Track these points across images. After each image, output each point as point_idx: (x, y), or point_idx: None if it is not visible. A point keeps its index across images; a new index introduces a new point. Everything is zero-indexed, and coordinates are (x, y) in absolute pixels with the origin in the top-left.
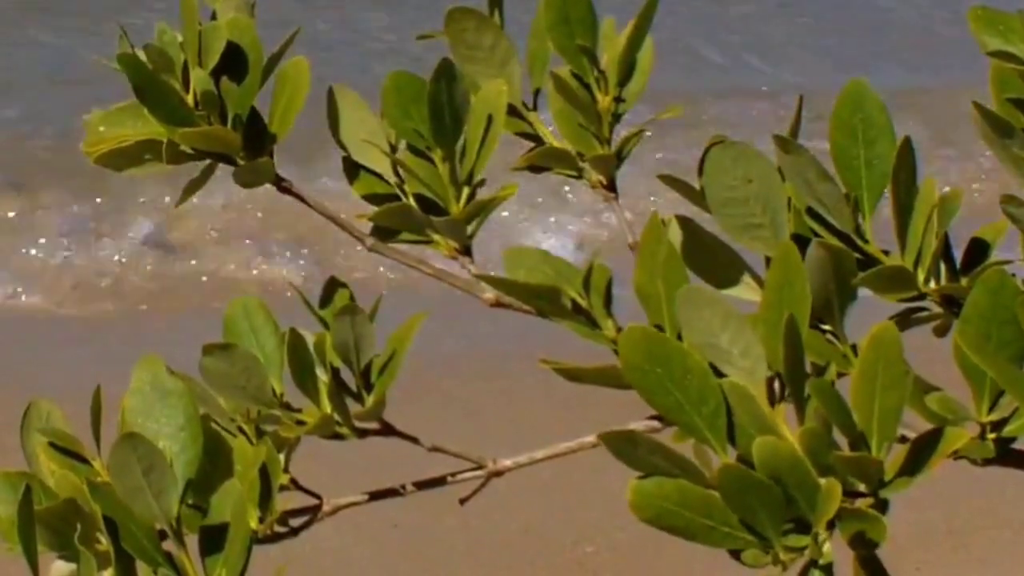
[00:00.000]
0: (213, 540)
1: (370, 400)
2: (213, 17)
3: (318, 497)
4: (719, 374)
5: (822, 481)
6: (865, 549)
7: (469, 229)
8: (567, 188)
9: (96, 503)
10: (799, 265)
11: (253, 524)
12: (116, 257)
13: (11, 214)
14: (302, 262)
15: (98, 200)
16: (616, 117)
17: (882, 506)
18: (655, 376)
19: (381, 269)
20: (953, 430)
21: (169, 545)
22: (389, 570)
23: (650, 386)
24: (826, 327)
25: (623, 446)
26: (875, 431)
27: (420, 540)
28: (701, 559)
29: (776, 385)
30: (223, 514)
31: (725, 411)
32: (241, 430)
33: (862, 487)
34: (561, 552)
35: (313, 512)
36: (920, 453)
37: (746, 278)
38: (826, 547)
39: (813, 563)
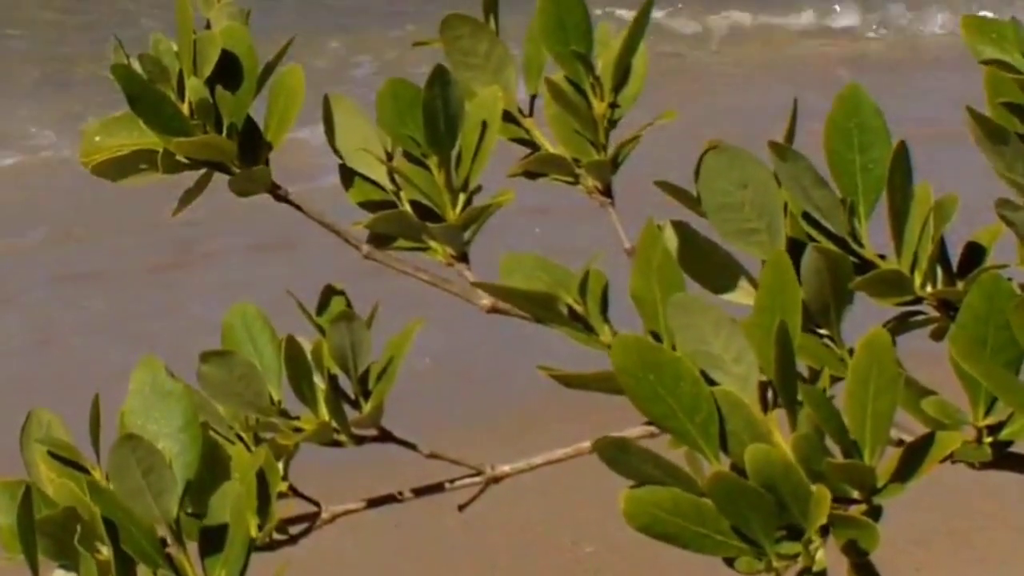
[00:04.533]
0: (212, 541)
1: (368, 407)
2: (208, 26)
3: (316, 504)
4: (712, 381)
5: (814, 488)
6: (858, 556)
7: (465, 236)
8: None
9: (96, 505)
10: (791, 271)
11: (252, 532)
12: None
13: None
14: None
15: None
16: (612, 123)
17: (875, 513)
18: (647, 383)
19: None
20: (945, 434)
21: (169, 547)
22: (389, 570)
23: (642, 393)
24: (823, 331)
25: (615, 454)
26: (868, 436)
27: (420, 540)
28: (701, 560)
29: (769, 392)
30: (222, 515)
31: (717, 419)
32: (239, 437)
33: (855, 493)
34: (561, 552)
35: (311, 520)
36: (913, 458)
37: (742, 282)
38: (819, 554)
39: (806, 570)
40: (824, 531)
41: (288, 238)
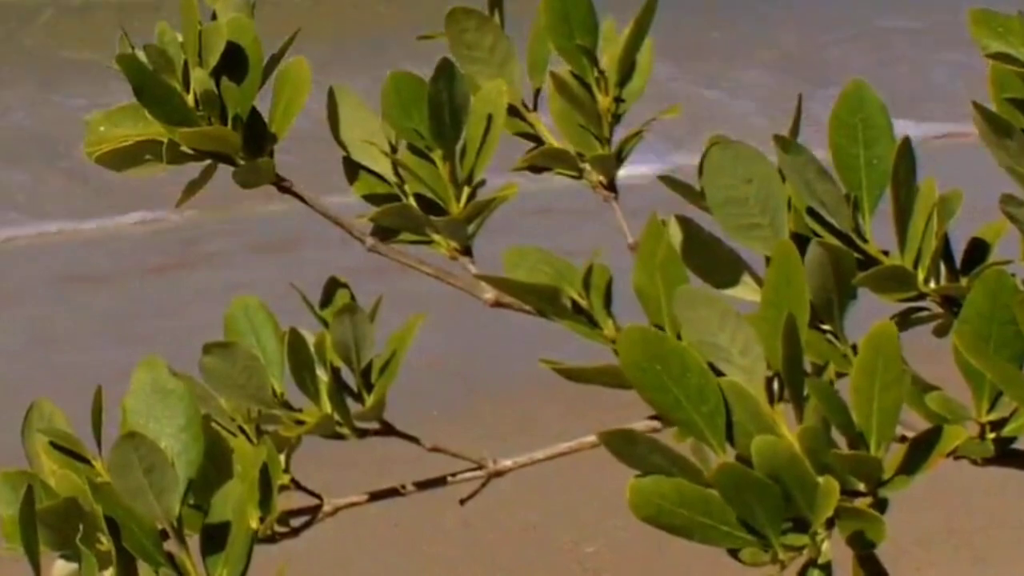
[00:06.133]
0: (214, 540)
1: (370, 400)
2: (214, 17)
3: (318, 497)
4: (719, 373)
5: (820, 480)
6: (864, 548)
7: (469, 229)
8: None
9: (97, 503)
10: (798, 264)
11: (254, 524)
12: None
13: None
14: None
15: None
16: (616, 117)
17: (881, 505)
18: (654, 374)
19: None
20: (951, 429)
21: (170, 545)
22: (389, 569)
23: (649, 384)
24: (826, 327)
25: (622, 445)
26: (874, 430)
27: (421, 539)
28: (702, 559)
29: (775, 384)
30: (224, 514)
31: (724, 410)
32: (242, 430)
33: (861, 486)
34: (561, 552)
35: (313, 512)
36: (918, 452)
37: (746, 278)
38: (825, 546)
39: (812, 562)
40: (829, 523)
41: (289, 238)
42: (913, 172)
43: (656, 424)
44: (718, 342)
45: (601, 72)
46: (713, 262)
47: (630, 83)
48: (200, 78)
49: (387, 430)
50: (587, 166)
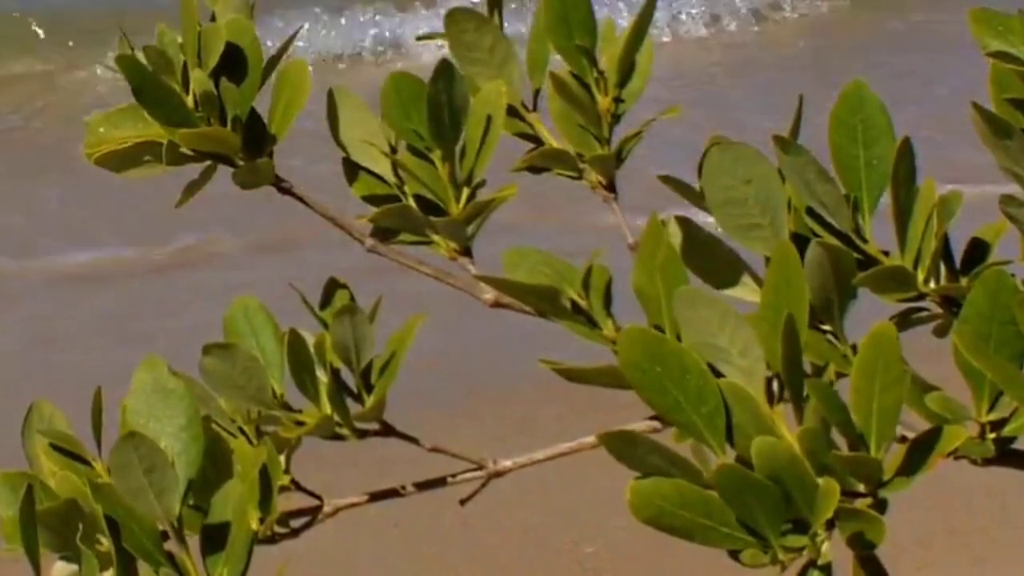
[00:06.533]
0: (214, 540)
1: (370, 401)
2: (213, 18)
3: (318, 498)
4: (718, 374)
5: (820, 481)
6: (864, 549)
7: (469, 230)
8: None
9: (98, 503)
10: (797, 265)
11: (254, 525)
12: None
13: None
14: None
15: None
16: (616, 118)
17: (881, 506)
18: (654, 375)
19: None
20: (951, 429)
21: (170, 545)
22: (389, 570)
23: (649, 385)
24: (826, 327)
25: (622, 446)
26: (874, 431)
27: (420, 539)
28: (703, 559)
29: (775, 385)
30: (224, 514)
31: (724, 411)
32: (242, 431)
33: (861, 487)
34: (561, 552)
35: (313, 513)
36: (918, 453)
37: (745, 278)
38: (825, 547)
39: (812, 563)
40: (829, 524)
41: (289, 239)
42: (913, 172)
43: (656, 424)
44: (718, 343)
45: (600, 72)
46: (713, 262)
47: (630, 83)
48: (199, 79)
49: (387, 431)
50: (587, 166)
